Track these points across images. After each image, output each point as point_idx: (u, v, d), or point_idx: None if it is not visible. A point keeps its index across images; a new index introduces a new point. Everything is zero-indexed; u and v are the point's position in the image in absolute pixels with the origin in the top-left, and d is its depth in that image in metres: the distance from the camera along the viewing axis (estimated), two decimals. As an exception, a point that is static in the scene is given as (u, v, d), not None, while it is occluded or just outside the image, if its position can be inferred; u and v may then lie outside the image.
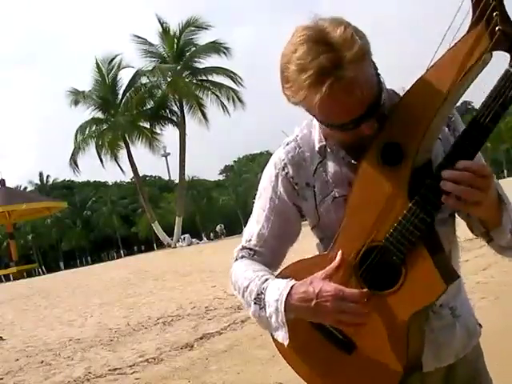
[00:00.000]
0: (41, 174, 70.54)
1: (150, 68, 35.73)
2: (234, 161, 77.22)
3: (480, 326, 1.48)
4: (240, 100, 35.43)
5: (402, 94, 1.30)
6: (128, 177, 54.68)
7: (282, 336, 1.28)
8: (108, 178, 75.46)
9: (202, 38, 36.05)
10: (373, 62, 1.20)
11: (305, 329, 1.31)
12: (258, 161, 60.68)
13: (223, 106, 35.44)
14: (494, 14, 1.09)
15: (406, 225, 1.18)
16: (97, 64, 36.83)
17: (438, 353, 1.36)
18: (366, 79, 1.16)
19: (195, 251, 25.96)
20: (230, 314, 7.74)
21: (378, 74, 1.21)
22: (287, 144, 1.40)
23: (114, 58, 36.73)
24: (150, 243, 58.50)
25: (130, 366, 5.91)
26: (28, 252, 61.94)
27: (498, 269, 6.97)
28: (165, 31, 36.10)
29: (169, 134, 75.65)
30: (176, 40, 35.89)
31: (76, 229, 65.69)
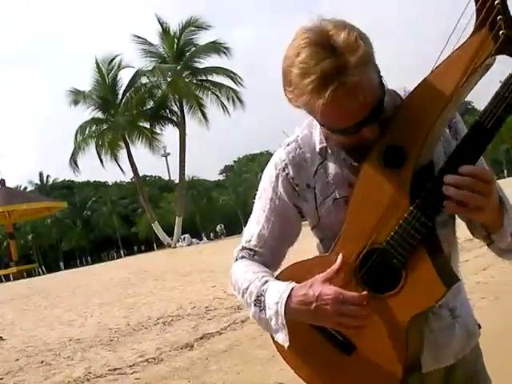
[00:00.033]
0: (41, 174, 70.64)
1: (150, 68, 35.78)
2: (234, 161, 77.28)
3: (479, 326, 1.48)
4: (240, 100, 35.49)
5: (402, 95, 1.30)
6: (128, 177, 54.82)
7: (283, 338, 1.28)
8: (108, 178, 75.56)
9: (202, 38, 36.15)
10: (375, 65, 1.19)
11: (305, 330, 1.31)
12: (258, 161, 60.66)
13: (223, 106, 35.52)
14: (498, 17, 1.08)
15: (407, 228, 1.18)
16: (97, 64, 36.85)
17: (438, 353, 1.36)
18: (369, 84, 1.16)
19: (195, 251, 25.97)
20: (230, 314, 7.74)
21: (381, 77, 1.21)
22: (288, 144, 1.40)
23: (114, 58, 36.82)
24: (150, 243, 58.49)
25: (130, 366, 5.91)
26: (28, 252, 61.94)
27: (497, 269, 6.98)
28: (165, 31, 36.12)
29: (169, 134, 75.63)
30: (176, 40, 35.90)
31: (76, 229, 65.69)
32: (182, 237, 36.55)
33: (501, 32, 1.09)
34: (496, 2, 1.08)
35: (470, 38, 1.14)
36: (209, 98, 35.66)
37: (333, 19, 1.17)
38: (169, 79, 35.29)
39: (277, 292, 1.28)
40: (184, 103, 35.68)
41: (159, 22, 36.01)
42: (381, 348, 1.24)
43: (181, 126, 35.92)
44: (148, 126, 36.92)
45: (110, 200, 66.46)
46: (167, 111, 37.21)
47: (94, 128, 37.09)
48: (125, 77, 39.09)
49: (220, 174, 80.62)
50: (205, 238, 44.22)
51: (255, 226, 1.44)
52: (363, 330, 1.23)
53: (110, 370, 5.90)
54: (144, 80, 36.41)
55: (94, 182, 73.30)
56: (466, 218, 1.30)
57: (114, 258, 52.29)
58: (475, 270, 7.45)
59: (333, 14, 1.19)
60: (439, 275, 1.18)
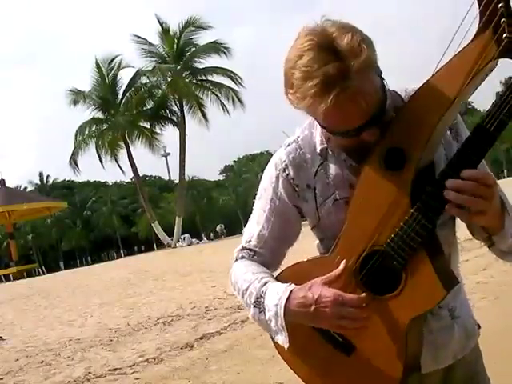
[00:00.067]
0: (41, 174, 70.64)
1: (150, 68, 35.78)
2: (234, 161, 77.29)
3: (479, 326, 1.48)
4: (240, 100, 35.49)
5: (404, 96, 1.30)
6: (128, 177, 54.79)
7: (282, 340, 1.29)
8: (108, 178, 75.61)
9: (202, 38, 36.14)
10: (378, 68, 1.19)
11: (304, 331, 1.31)
12: (258, 161, 60.66)
13: (223, 106, 35.52)
14: (502, 21, 1.08)
15: (408, 230, 1.18)
16: (97, 64, 36.84)
17: (437, 354, 1.36)
18: (371, 88, 1.15)
19: (195, 251, 25.96)
20: (230, 314, 7.74)
21: (383, 79, 1.21)
22: (288, 145, 1.40)
23: (114, 58, 36.80)
24: (150, 243, 58.48)
25: (130, 366, 5.91)
26: (28, 252, 61.94)
27: (497, 269, 6.97)
28: (165, 31, 36.12)
29: (169, 134, 75.72)
30: (176, 40, 35.89)
31: (76, 229, 65.69)
32: (182, 237, 36.54)
33: (504, 35, 1.08)
34: (500, 5, 1.07)
35: (472, 40, 1.13)
36: (209, 98, 35.73)
37: (336, 21, 1.17)
38: (169, 79, 35.29)
39: (276, 294, 1.28)
40: (184, 103, 35.68)
41: (159, 21, 36.07)
42: (380, 349, 1.24)
43: (181, 126, 35.91)
44: (148, 126, 36.93)
45: (110, 200, 66.45)
46: (167, 111, 37.21)
47: (93, 128, 37.08)
48: (125, 77, 39.17)
49: (220, 174, 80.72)
50: (205, 238, 44.20)
51: (255, 226, 1.44)
52: (363, 330, 1.23)
53: (110, 370, 5.90)
54: (144, 80, 36.48)
55: (94, 182, 73.31)
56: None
57: (114, 258, 52.29)
58: (475, 270, 7.45)
59: (332, 15, 1.18)
60: (439, 278, 1.18)
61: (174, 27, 36.08)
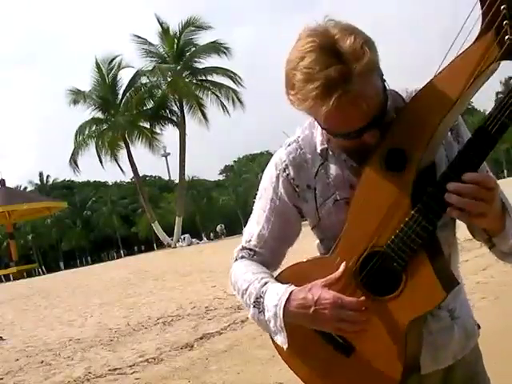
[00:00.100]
0: (41, 174, 70.65)
1: (150, 68, 35.78)
2: (234, 161, 77.29)
3: (479, 326, 1.48)
4: (240, 100, 35.48)
5: (405, 96, 1.30)
6: (128, 177, 54.81)
7: (281, 340, 1.29)
8: (108, 178, 75.61)
9: (202, 38, 36.13)
10: (379, 69, 1.19)
11: (304, 331, 1.31)
12: (258, 161, 60.67)
13: (223, 106, 35.52)
14: (504, 22, 1.07)
15: (408, 232, 1.18)
16: (97, 64, 36.84)
17: (436, 355, 1.36)
18: (372, 91, 1.15)
19: (195, 251, 25.96)
20: (230, 314, 7.74)
21: (384, 81, 1.21)
22: (288, 145, 1.40)
23: (114, 59, 36.80)
24: (150, 243, 58.49)
25: (130, 366, 5.91)
26: (28, 252, 61.94)
27: (497, 269, 6.97)
28: (165, 31, 36.12)
29: (169, 134, 75.68)
30: (176, 40, 35.90)
31: (76, 229, 65.70)
32: (182, 237, 36.53)
33: (506, 37, 1.08)
34: (502, 7, 1.07)
35: (475, 42, 1.13)
36: (209, 98, 35.72)
37: (339, 21, 1.16)
38: (169, 79, 35.30)
39: (276, 295, 1.28)
40: (184, 103, 35.68)
41: (159, 21, 36.06)
42: (380, 350, 1.24)
43: (181, 126, 35.91)
44: (148, 126, 36.92)
45: (110, 200, 66.46)
46: (167, 111, 37.21)
47: (93, 128, 37.08)
48: (125, 77, 39.16)
49: (220, 174, 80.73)
50: (205, 238, 44.20)
51: (255, 226, 1.44)
52: (363, 332, 1.24)
53: (110, 370, 5.90)
54: (144, 80, 36.49)
55: (94, 182, 73.31)
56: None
57: (114, 258, 52.28)
58: (475, 270, 7.45)
59: (332, 15, 1.18)
60: (439, 279, 1.18)
61: (174, 27, 36.16)
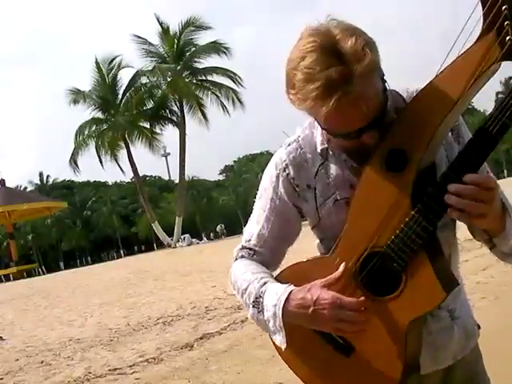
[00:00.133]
0: (41, 174, 70.67)
1: (150, 68, 35.77)
2: (234, 161, 77.28)
3: (479, 327, 1.48)
4: (240, 101, 35.47)
5: (405, 96, 1.30)
6: (128, 177, 54.81)
7: (280, 340, 1.29)
8: (108, 178, 75.58)
9: (202, 38, 36.13)
10: (380, 70, 1.18)
11: (304, 331, 1.31)
12: (258, 161, 60.66)
13: (223, 106, 35.52)
14: (506, 23, 1.07)
15: (408, 232, 1.18)
16: (97, 64, 36.85)
17: (436, 355, 1.36)
18: (373, 92, 1.15)
19: (195, 251, 25.96)
20: (230, 314, 7.74)
21: (385, 81, 1.20)
22: (289, 144, 1.40)
23: (114, 59, 36.80)
24: (150, 243, 58.48)
25: (130, 366, 5.91)
26: (28, 252, 61.94)
27: (498, 269, 6.96)
28: (164, 31, 36.12)
29: (169, 134, 75.62)
30: (176, 40, 35.90)
31: (76, 229, 65.70)
32: (182, 237, 36.53)
33: (507, 38, 1.08)
34: (503, 8, 1.07)
35: (476, 42, 1.13)
36: (209, 98, 35.73)
37: (341, 21, 1.16)
38: (169, 79, 35.29)
39: (275, 294, 1.28)
40: (184, 103, 35.68)
41: (159, 21, 36.06)
42: (380, 350, 1.24)
43: (181, 126, 35.91)
44: (148, 126, 36.92)
45: (109, 200, 66.47)
46: (167, 111, 37.21)
47: (93, 128, 37.09)
48: (125, 77, 39.16)
49: (220, 174, 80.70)
50: (205, 238, 44.19)
51: (255, 225, 1.44)
52: (363, 332, 1.24)
53: (110, 370, 5.90)
54: (144, 80, 36.49)
55: (94, 182, 73.31)
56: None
57: (114, 258, 52.26)
58: (475, 270, 7.45)
59: (333, 15, 1.18)
60: (439, 280, 1.18)
61: (174, 27, 36.16)
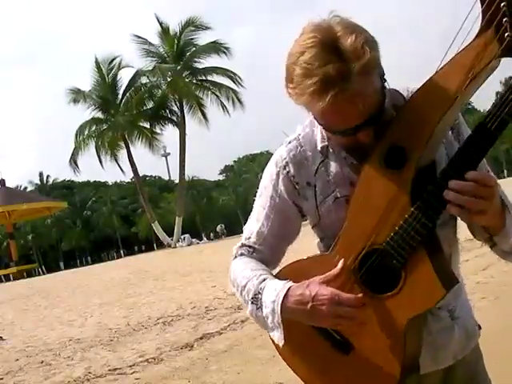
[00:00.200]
0: (41, 174, 70.67)
1: (150, 68, 35.76)
2: (234, 161, 77.28)
3: (479, 327, 1.48)
4: (240, 101, 35.45)
5: (406, 95, 1.30)
6: (128, 177, 54.80)
7: (278, 337, 1.29)
8: (108, 178, 75.60)
9: (202, 38, 36.12)
10: (380, 69, 1.18)
11: (302, 328, 1.31)
12: (258, 161, 60.66)
13: (223, 106, 35.50)
14: (504, 20, 1.08)
15: (408, 229, 1.18)
16: (97, 64, 36.83)
17: (436, 355, 1.35)
18: (370, 91, 1.15)
19: (195, 251, 25.95)
20: (230, 314, 7.74)
21: (384, 80, 1.20)
22: (289, 142, 1.40)
23: (114, 59, 36.78)
24: (150, 243, 58.48)
25: (130, 366, 5.91)
26: (28, 252, 61.95)
27: (498, 269, 6.97)
28: (164, 31, 36.11)
29: (169, 134, 75.62)
30: (176, 40, 35.89)
31: (76, 229, 65.70)
32: (182, 237, 36.52)
33: (506, 34, 1.08)
34: (502, 4, 1.07)
35: (474, 39, 1.13)
36: (209, 98, 35.71)
37: (343, 19, 1.16)
38: (169, 79, 35.28)
39: (274, 291, 1.28)
40: (184, 103, 35.67)
41: (159, 21, 36.04)
42: (379, 348, 1.24)
43: (181, 126, 35.90)
44: (148, 126, 36.90)
45: (109, 200, 66.48)
46: (167, 111, 37.19)
47: (93, 128, 37.07)
48: (125, 77, 39.18)
49: (220, 174, 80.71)
50: (205, 238, 44.18)
51: (255, 223, 1.45)
52: (361, 329, 1.23)
53: (110, 370, 5.90)
54: (144, 80, 36.45)
55: (94, 182, 73.32)
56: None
57: (114, 258, 52.25)
58: (475, 270, 7.45)
59: (336, 11, 1.18)
60: (439, 277, 1.17)
61: (174, 27, 36.15)
